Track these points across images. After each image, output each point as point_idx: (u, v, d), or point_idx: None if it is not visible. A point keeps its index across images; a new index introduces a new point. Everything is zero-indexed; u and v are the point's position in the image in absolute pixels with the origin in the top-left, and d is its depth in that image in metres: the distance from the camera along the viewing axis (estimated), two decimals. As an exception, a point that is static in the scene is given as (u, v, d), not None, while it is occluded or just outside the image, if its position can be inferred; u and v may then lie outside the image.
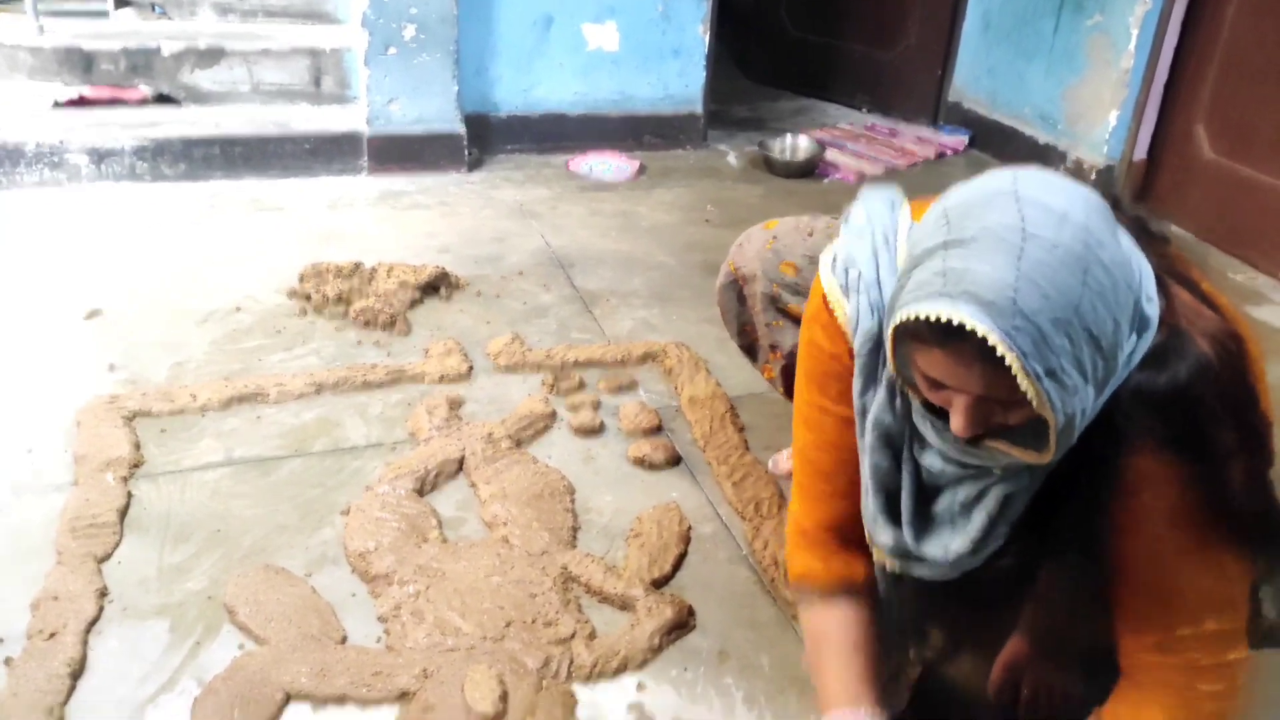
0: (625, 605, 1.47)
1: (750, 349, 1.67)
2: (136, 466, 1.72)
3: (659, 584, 1.52)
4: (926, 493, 1.10)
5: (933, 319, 0.88)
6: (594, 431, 1.90)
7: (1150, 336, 0.96)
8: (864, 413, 1.11)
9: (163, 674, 1.33)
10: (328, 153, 3.21)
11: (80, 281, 2.39)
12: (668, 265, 2.71)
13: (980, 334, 0.86)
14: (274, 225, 2.82)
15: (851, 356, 1.11)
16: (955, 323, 0.86)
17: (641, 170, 3.47)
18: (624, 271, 2.65)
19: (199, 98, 3.34)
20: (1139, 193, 3.30)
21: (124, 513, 1.61)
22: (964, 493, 1.05)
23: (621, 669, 1.36)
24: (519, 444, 1.85)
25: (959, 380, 0.92)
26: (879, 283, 1.08)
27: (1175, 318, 0.97)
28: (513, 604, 1.44)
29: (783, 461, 1.81)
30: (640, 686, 1.35)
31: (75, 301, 2.29)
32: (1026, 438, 0.96)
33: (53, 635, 1.35)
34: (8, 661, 1.32)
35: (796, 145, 3.64)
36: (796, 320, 1.49)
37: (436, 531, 1.60)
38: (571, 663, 1.35)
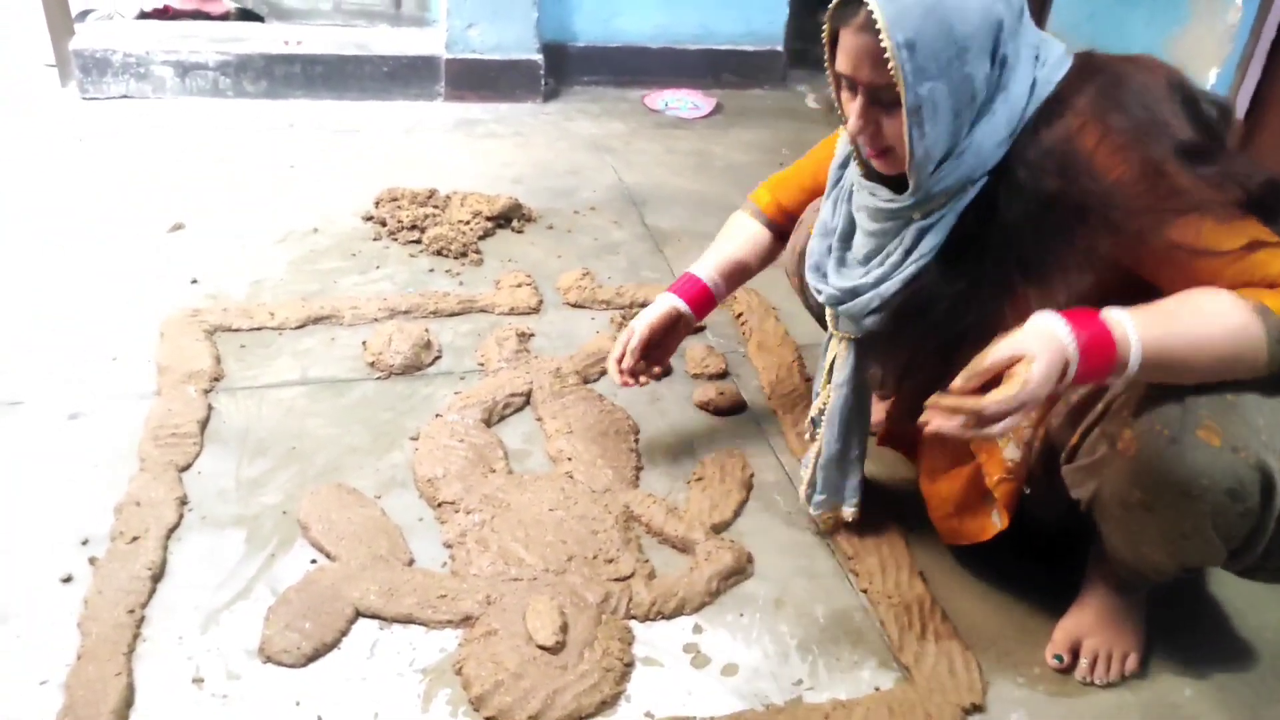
0: (685, 548, 1.49)
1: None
2: (217, 380, 1.77)
3: (719, 529, 1.54)
4: (860, 260, 1.33)
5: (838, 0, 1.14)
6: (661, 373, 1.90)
7: (1044, 95, 1.15)
8: (819, 212, 1.41)
9: (238, 582, 1.38)
10: (405, 76, 3.21)
11: (164, 194, 2.45)
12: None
13: (862, 2, 1.09)
14: (351, 147, 2.84)
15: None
16: None
17: (718, 108, 3.42)
18: (697, 212, 2.62)
19: (281, 14, 3.36)
20: (1235, 155, 3.16)
21: (204, 424, 1.66)
22: (891, 243, 1.27)
23: (679, 610, 1.38)
24: (586, 380, 1.86)
25: (851, 60, 1.14)
26: None
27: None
28: (575, 539, 1.46)
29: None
30: (696, 628, 1.37)
31: (159, 214, 2.34)
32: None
33: (135, 539, 1.41)
34: (92, 561, 1.38)
35: (878, 89, 3.55)
36: None
37: (503, 462, 1.63)
38: (630, 600, 1.38)
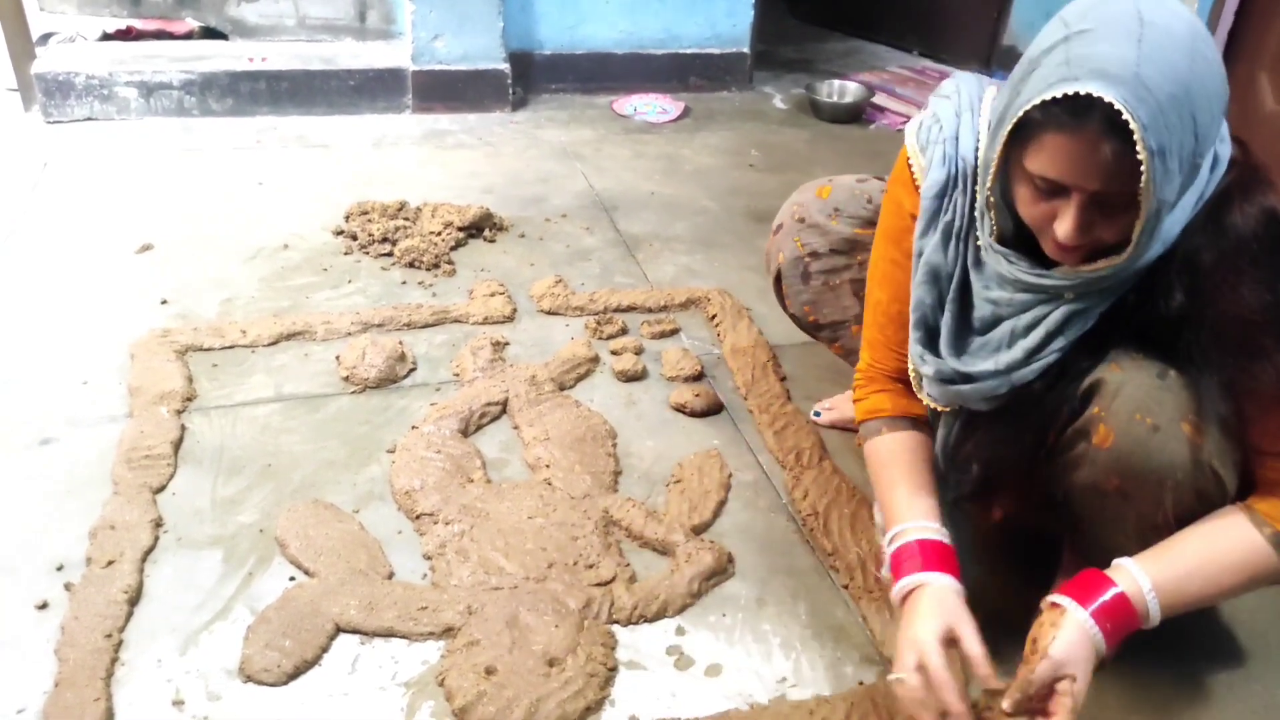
0: (665, 550, 1.49)
1: (814, 328, 1.68)
2: (189, 400, 1.76)
3: (699, 530, 1.54)
4: (976, 326, 1.19)
5: (1060, 96, 0.95)
6: (636, 377, 1.91)
7: (1221, 172, 1.04)
8: (919, 254, 1.22)
9: (217, 602, 1.37)
10: (372, 90, 3.20)
11: (132, 216, 2.43)
12: (711, 210, 2.69)
13: (1108, 101, 0.93)
14: (320, 162, 2.83)
15: None
16: (1083, 94, 0.94)
17: (686, 112, 3.43)
18: (667, 216, 2.63)
19: (245, 31, 3.34)
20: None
21: (178, 445, 1.64)
22: (1026, 319, 1.13)
23: (661, 613, 1.39)
24: (562, 387, 1.86)
25: (1079, 169, 0.98)
26: (956, 138, 1.19)
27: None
28: (555, 546, 1.46)
29: (825, 412, 1.81)
30: (679, 630, 1.37)
31: (127, 236, 2.32)
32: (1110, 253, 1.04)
33: (110, 563, 1.40)
34: (68, 587, 1.36)
35: (844, 89, 3.58)
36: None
37: (480, 472, 1.62)
38: (612, 605, 1.38)
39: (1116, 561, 1.11)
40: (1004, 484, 1.27)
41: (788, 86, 3.75)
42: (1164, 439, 1.09)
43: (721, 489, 1.62)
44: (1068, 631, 1.06)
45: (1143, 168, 0.95)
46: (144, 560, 1.42)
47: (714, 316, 2.12)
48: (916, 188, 1.24)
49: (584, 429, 1.72)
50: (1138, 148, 0.94)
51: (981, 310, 1.18)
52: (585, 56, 3.53)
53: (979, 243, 1.16)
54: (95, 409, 1.73)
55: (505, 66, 3.29)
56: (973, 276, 1.18)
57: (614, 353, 1.98)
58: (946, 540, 1.21)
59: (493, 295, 2.14)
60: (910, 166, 1.26)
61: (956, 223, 1.19)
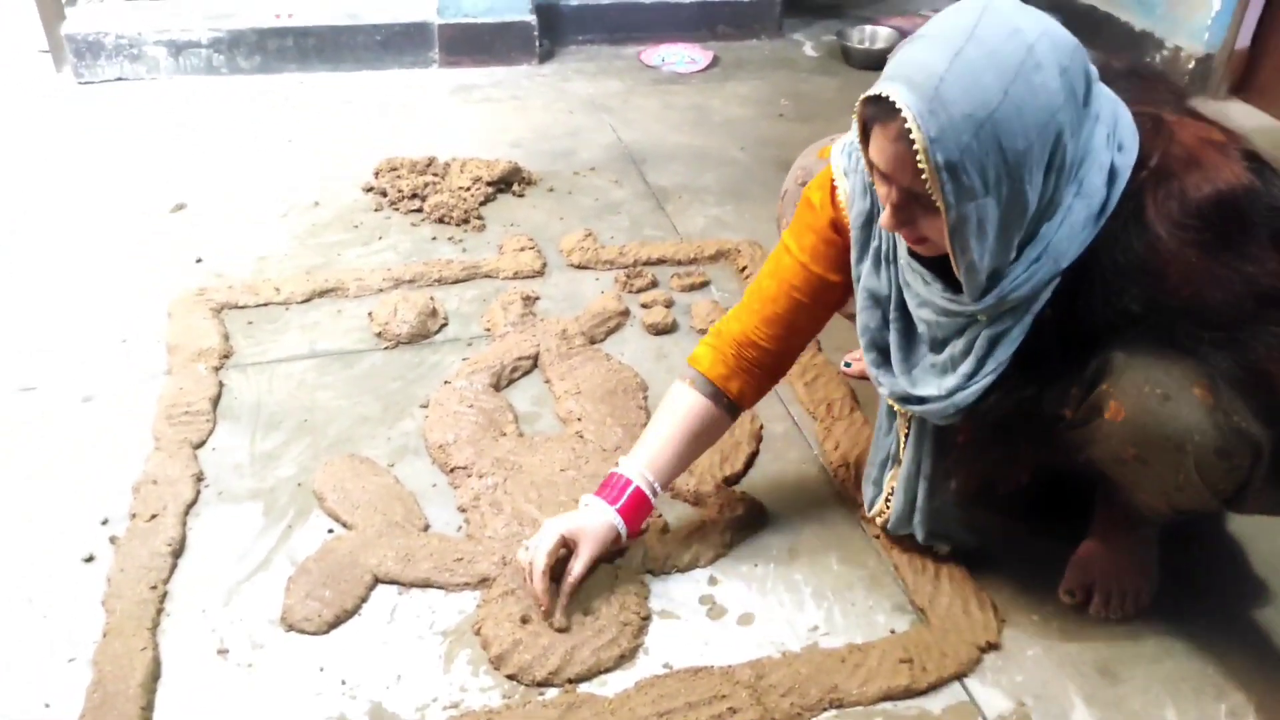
0: (697, 502, 1.50)
1: None
2: (226, 357, 1.78)
3: (730, 481, 1.55)
4: (922, 347, 1.23)
5: (871, 95, 1.01)
6: (666, 330, 1.91)
7: (1123, 183, 1.04)
8: (857, 280, 1.27)
9: (258, 554, 1.40)
10: (399, 44, 3.18)
11: (165, 175, 2.45)
12: (741, 161, 2.67)
13: (898, 108, 0.97)
14: (348, 118, 2.83)
15: (833, 227, 1.27)
16: (885, 96, 0.99)
17: (715, 62, 3.39)
18: (697, 167, 2.61)
19: (271, -13, 3.32)
20: (1239, 84, 3.13)
21: (216, 401, 1.67)
22: (961, 344, 1.16)
23: (693, 563, 1.40)
24: (592, 341, 1.87)
25: (886, 162, 1.03)
26: None
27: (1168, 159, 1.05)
28: (587, 497, 1.47)
29: (855, 363, 1.80)
30: (712, 580, 1.38)
31: (161, 195, 2.34)
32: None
33: (154, 517, 1.43)
34: (113, 540, 1.40)
35: (875, 34, 3.51)
36: None
37: (513, 425, 1.64)
38: (645, 555, 1.39)
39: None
40: (984, 492, 1.28)
41: (818, 33, 3.69)
42: (1176, 406, 1.07)
43: (753, 440, 1.63)
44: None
45: (924, 176, 0.98)
46: (186, 514, 1.45)
47: (744, 268, 2.11)
48: (830, 199, 1.27)
49: (615, 382, 1.73)
50: (919, 157, 0.97)
51: (921, 329, 1.22)
52: (612, 6, 3.48)
53: (903, 263, 1.20)
54: (135, 366, 1.76)
55: (532, 18, 3.25)
56: (906, 296, 1.21)
57: (644, 306, 1.98)
58: (643, 487, 1.33)
59: (522, 250, 2.14)
60: (833, 181, 1.27)
61: (884, 247, 1.22)
